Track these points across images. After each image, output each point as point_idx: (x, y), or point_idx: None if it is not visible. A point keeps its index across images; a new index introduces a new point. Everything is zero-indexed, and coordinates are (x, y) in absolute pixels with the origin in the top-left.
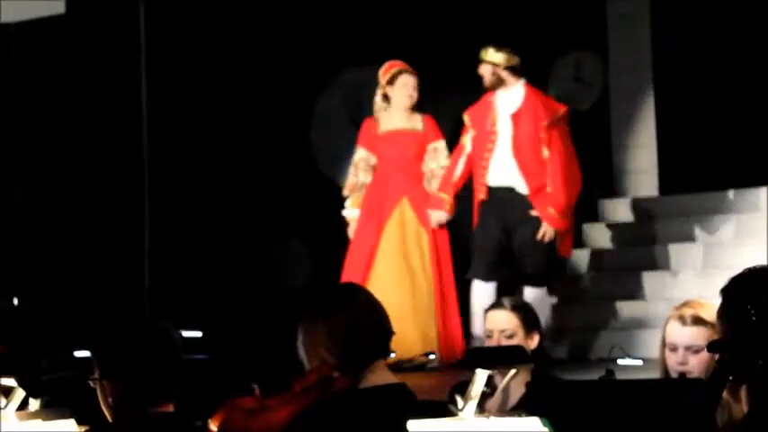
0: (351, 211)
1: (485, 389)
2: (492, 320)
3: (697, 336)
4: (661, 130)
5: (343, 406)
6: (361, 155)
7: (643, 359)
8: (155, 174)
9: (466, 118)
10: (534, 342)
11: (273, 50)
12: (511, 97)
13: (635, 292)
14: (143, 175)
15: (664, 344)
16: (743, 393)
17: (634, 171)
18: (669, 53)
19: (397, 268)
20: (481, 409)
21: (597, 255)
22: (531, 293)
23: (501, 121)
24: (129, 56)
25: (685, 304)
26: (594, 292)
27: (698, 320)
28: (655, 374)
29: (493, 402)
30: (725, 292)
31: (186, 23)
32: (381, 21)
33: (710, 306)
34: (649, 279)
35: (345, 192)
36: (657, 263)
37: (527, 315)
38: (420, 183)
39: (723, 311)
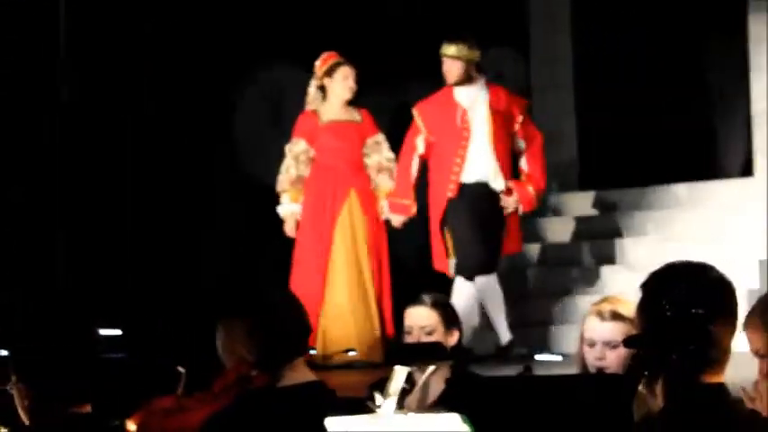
0: (290, 207)
1: (404, 385)
2: (412, 317)
3: (615, 331)
4: (581, 126)
5: (262, 404)
6: (301, 147)
7: (565, 355)
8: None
9: (418, 117)
10: (454, 338)
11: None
12: (477, 93)
13: (565, 288)
14: (54, 175)
15: (582, 339)
16: (658, 388)
17: (554, 165)
18: (590, 49)
19: (355, 264)
20: (400, 405)
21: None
22: (483, 281)
23: (474, 118)
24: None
25: (604, 300)
26: (525, 289)
27: (616, 316)
28: (574, 370)
29: (412, 399)
30: (644, 287)
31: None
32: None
33: (629, 302)
34: (576, 275)
35: (283, 186)
36: (583, 259)
37: (447, 312)
38: (364, 174)
39: (641, 307)
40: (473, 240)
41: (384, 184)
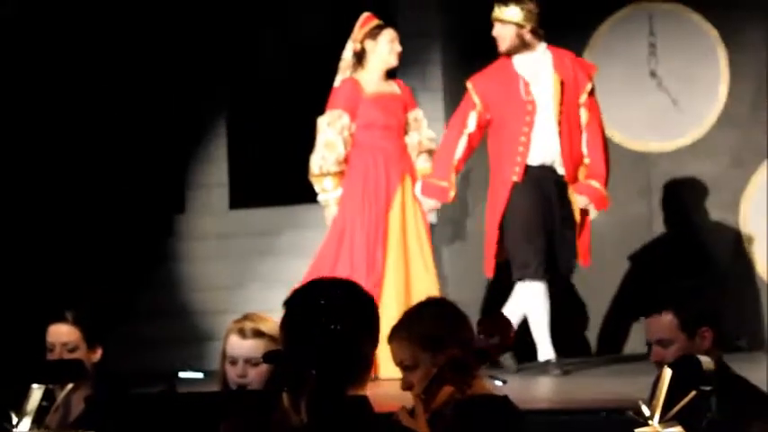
0: (336, 193)
1: (44, 403)
2: (54, 334)
3: (256, 348)
4: (232, 146)
5: None
6: (345, 121)
7: (207, 372)
8: None
9: (473, 90)
10: (97, 356)
11: None
12: (539, 60)
13: (207, 306)
14: None
15: (224, 357)
16: (303, 403)
17: (206, 185)
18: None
19: (419, 259)
20: (40, 424)
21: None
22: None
23: (539, 90)
24: None
25: (245, 317)
26: (168, 305)
27: (257, 333)
28: (216, 387)
29: (52, 418)
30: (287, 303)
31: None
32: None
33: (270, 319)
34: (221, 294)
35: (328, 167)
36: (228, 277)
37: (90, 329)
38: (409, 155)
39: (284, 323)
40: (534, 237)
41: (422, 166)
